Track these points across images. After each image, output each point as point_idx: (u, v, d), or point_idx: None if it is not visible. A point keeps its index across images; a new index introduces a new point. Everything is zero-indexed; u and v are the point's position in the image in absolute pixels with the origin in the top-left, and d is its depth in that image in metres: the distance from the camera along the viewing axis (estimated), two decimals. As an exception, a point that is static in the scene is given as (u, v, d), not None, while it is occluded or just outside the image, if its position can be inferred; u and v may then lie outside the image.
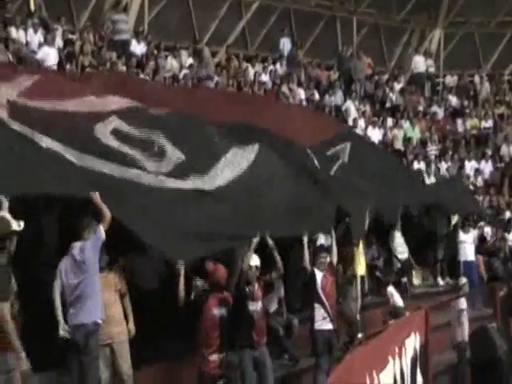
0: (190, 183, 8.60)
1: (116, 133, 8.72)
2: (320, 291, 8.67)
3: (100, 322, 6.84)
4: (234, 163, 9.15)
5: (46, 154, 7.57)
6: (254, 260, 7.87)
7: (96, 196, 6.85)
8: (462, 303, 11.18)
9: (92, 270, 6.79)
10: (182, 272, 7.42)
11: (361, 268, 10.90)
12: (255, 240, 7.94)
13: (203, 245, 7.70)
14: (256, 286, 7.81)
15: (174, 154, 8.86)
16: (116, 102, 9.33)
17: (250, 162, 9.27)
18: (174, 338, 8.10)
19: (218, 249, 7.92)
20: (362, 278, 11.01)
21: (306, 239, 8.81)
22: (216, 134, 9.66)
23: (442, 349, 10.59)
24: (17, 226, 5.96)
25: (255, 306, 7.75)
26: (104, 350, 7.04)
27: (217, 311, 7.46)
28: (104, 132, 8.57)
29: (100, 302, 6.84)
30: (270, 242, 8.07)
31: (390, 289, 11.07)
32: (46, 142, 7.76)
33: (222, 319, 7.46)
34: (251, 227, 8.23)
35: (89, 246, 6.80)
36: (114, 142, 8.53)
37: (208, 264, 7.76)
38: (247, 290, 7.69)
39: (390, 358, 8.09)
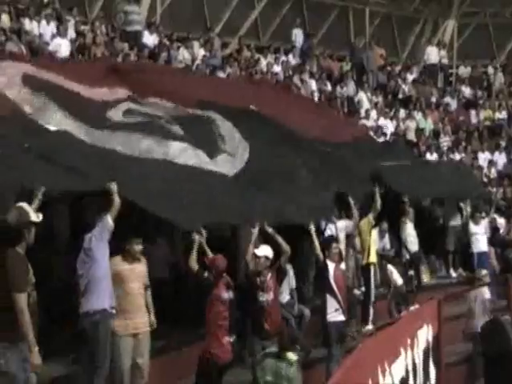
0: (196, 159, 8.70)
1: (129, 112, 8.84)
2: (333, 282, 8.67)
3: (109, 310, 6.85)
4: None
5: (56, 138, 7.59)
6: (264, 250, 7.85)
7: (114, 187, 6.86)
8: (486, 293, 11.17)
9: (99, 258, 6.81)
10: (197, 241, 7.50)
11: (372, 256, 10.89)
12: (255, 230, 7.94)
13: (210, 213, 7.78)
14: (268, 276, 7.77)
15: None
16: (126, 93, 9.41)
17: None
18: (184, 327, 8.14)
19: (222, 220, 7.94)
20: (374, 266, 11.00)
21: (313, 228, 8.83)
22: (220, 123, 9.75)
23: (454, 340, 10.56)
24: (35, 217, 6.00)
25: (266, 297, 7.74)
26: (128, 340, 7.07)
27: (226, 294, 7.50)
28: (117, 114, 8.67)
29: (109, 290, 6.86)
30: (270, 229, 8.04)
31: (390, 266, 11.06)
32: (56, 120, 7.82)
33: (231, 302, 7.50)
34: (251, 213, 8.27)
35: (96, 234, 6.84)
36: (125, 119, 8.64)
37: (206, 258, 7.75)
38: (258, 280, 7.66)
39: (402, 350, 8.08)
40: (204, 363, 7.29)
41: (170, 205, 7.62)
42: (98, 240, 6.83)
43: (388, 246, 12.83)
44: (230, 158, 9.15)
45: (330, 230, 9.93)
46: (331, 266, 8.65)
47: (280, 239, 8.04)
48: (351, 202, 9.89)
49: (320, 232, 9.58)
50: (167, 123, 9.10)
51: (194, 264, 7.54)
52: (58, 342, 7.15)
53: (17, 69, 8.53)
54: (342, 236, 9.91)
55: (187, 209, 7.72)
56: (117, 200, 6.88)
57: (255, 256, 7.79)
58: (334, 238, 9.14)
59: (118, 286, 7.03)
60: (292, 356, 7.17)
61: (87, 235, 6.95)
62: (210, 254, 7.69)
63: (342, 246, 9.51)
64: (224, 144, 9.35)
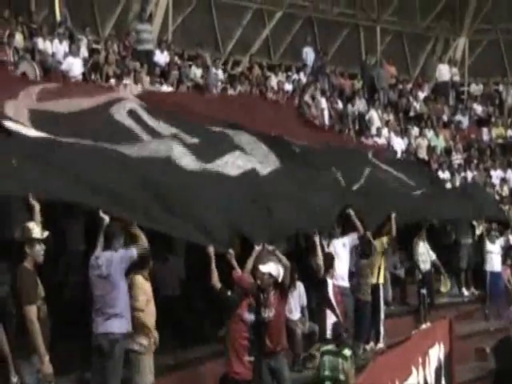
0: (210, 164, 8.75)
1: (132, 112, 8.93)
2: (332, 298, 8.69)
3: (127, 331, 6.88)
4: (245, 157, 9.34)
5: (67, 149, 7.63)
6: (268, 267, 7.90)
7: (134, 227, 6.89)
8: None
9: (120, 283, 6.86)
10: (212, 254, 7.56)
11: (381, 277, 10.86)
12: (257, 248, 8.04)
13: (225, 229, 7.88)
14: (271, 292, 7.82)
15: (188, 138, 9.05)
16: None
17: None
18: (196, 344, 8.14)
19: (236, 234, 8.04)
20: (382, 285, 10.95)
21: (317, 240, 8.86)
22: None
23: (467, 359, 10.46)
24: (39, 234, 6.08)
25: (268, 313, 7.77)
26: (151, 358, 7.11)
27: (247, 316, 7.57)
28: (120, 112, 8.74)
29: (128, 313, 6.87)
30: (270, 247, 8.15)
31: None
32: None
33: (251, 324, 7.57)
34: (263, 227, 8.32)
35: (118, 260, 6.85)
36: (128, 121, 8.71)
37: (234, 273, 7.82)
38: (261, 296, 7.74)
39: (414, 368, 8.01)
40: (226, 381, 7.41)
41: (189, 224, 7.65)
42: (119, 266, 6.85)
43: (398, 265, 12.78)
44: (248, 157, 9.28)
45: (333, 247, 9.93)
46: (330, 282, 8.64)
47: (280, 254, 8.07)
48: (352, 214, 9.89)
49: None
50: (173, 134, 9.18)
51: (216, 282, 7.61)
52: (70, 357, 7.16)
53: (24, 103, 8.63)
54: (345, 253, 9.89)
55: (210, 228, 7.78)
56: (143, 238, 6.94)
57: (260, 272, 7.77)
58: (333, 257, 9.16)
59: (143, 304, 7.08)
60: (347, 352, 7.98)
61: (105, 253, 6.91)
62: (238, 270, 7.76)
63: (346, 263, 9.58)
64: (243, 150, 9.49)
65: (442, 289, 13.18)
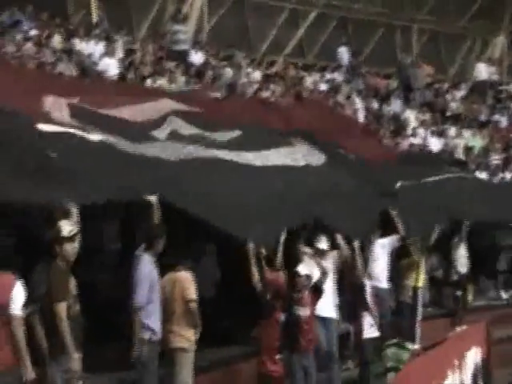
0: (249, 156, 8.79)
1: (173, 134, 9.00)
2: (369, 300, 8.69)
3: (159, 331, 6.88)
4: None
5: (102, 149, 7.68)
6: (306, 269, 8.00)
7: (153, 199, 6.86)
8: None
9: (156, 282, 6.89)
10: (252, 252, 7.65)
11: (420, 279, 10.75)
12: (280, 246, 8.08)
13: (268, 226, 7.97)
14: (306, 292, 7.88)
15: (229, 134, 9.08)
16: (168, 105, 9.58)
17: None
18: (229, 345, 8.16)
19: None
20: (421, 289, 10.84)
21: (357, 244, 8.83)
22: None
23: (506, 363, 10.29)
24: (68, 232, 6.15)
25: (302, 312, 7.80)
26: (193, 355, 7.16)
27: (281, 316, 7.71)
28: (161, 135, 8.81)
29: (159, 316, 6.90)
30: (308, 250, 8.23)
31: None
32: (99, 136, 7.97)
33: (282, 323, 7.71)
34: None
35: (150, 259, 6.90)
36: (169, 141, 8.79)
37: (267, 273, 7.90)
38: (294, 295, 7.79)
39: (449, 371, 7.92)
40: (264, 379, 7.64)
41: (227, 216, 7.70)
42: (153, 263, 6.90)
43: (436, 266, 12.62)
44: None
45: (371, 247, 9.85)
46: (367, 283, 8.59)
47: (318, 259, 8.12)
48: (394, 215, 9.81)
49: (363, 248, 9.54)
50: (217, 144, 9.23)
51: (257, 282, 7.73)
52: (104, 356, 7.22)
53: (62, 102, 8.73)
54: (383, 254, 9.82)
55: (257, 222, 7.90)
56: (157, 214, 6.96)
57: (297, 273, 7.79)
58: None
59: (185, 303, 7.16)
60: (409, 345, 8.57)
61: (147, 257, 6.95)
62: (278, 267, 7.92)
63: (383, 264, 9.54)
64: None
65: (469, 297, 13.00)
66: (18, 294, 5.59)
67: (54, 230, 6.16)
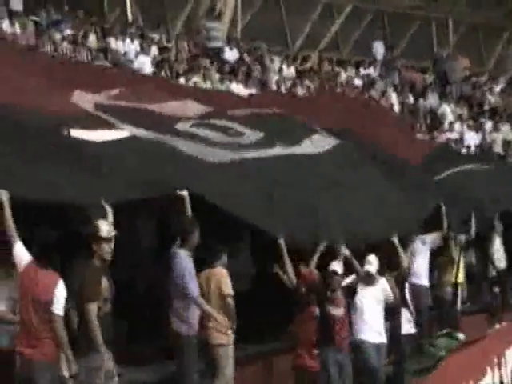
0: (276, 149, 8.81)
1: (196, 124, 9.04)
2: (408, 296, 8.67)
3: (194, 330, 6.95)
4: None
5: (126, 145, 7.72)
6: (338, 267, 7.96)
7: (185, 194, 6.89)
8: None
9: (194, 278, 6.95)
10: (284, 247, 7.68)
11: (460, 275, 10.62)
12: (322, 246, 8.11)
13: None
14: (339, 291, 7.89)
15: (253, 134, 9.10)
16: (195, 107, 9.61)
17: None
18: (267, 339, 8.18)
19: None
20: (461, 285, 10.71)
21: (396, 240, 8.72)
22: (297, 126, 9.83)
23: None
24: (105, 232, 6.19)
25: (336, 311, 7.82)
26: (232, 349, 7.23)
27: (317, 310, 7.70)
28: (184, 126, 8.84)
29: (196, 311, 6.95)
30: (347, 251, 8.13)
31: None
32: (128, 128, 8.02)
33: (316, 318, 7.71)
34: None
35: (188, 255, 6.97)
36: (193, 130, 8.81)
37: (303, 269, 7.90)
38: (328, 294, 7.79)
39: (489, 369, 7.80)
40: (300, 374, 7.67)
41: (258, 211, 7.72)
42: (189, 258, 6.97)
43: (474, 261, 12.45)
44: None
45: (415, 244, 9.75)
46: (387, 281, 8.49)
47: (354, 260, 8.14)
48: (444, 213, 9.75)
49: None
50: (238, 132, 9.22)
51: (292, 276, 7.77)
52: (143, 353, 7.29)
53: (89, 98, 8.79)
54: (423, 251, 9.72)
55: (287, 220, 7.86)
56: (188, 208, 7.00)
57: (330, 272, 7.77)
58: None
59: (222, 299, 7.21)
60: (460, 335, 8.89)
61: (179, 252, 6.99)
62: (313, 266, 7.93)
63: (423, 261, 9.43)
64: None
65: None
66: (61, 293, 5.67)
67: (92, 229, 6.19)
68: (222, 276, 7.22)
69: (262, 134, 9.30)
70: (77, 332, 6.01)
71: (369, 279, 8.12)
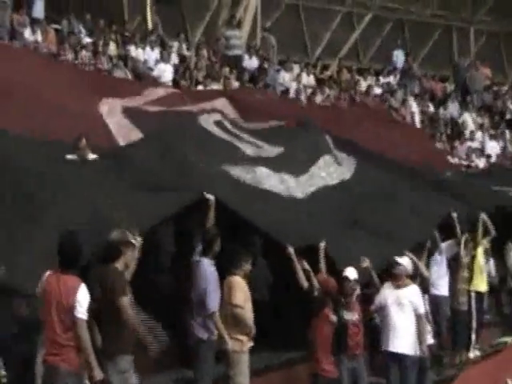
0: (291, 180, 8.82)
1: (219, 124, 9.07)
2: (427, 305, 8.54)
3: (214, 336, 6.95)
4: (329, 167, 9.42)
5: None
6: (354, 273, 7.92)
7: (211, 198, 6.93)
8: None
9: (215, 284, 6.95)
10: (293, 254, 7.72)
11: (482, 285, 10.46)
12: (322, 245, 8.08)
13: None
14: (354, 297, 7.86)
15: (272, 149, 9.11)
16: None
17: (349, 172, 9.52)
18: (286, 348, 8.13)
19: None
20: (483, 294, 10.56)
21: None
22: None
23: None
24: (134, 240, 6.27)
25: (350, 316, 7.77)
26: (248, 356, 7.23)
27: (333, 317, 7.62)
28: (208, 121, 8.90)
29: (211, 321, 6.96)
30: (365, 264, 8.10)
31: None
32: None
33: (334, 325, 7.62)
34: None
35: (209, 260, 6.98)
36: (215, 130, 8.83)
37: (320, 275, 7.90)
38: (342, 299, 7.78)
39: (509, 380, 7.70)
40: (316, 378, 7.56)
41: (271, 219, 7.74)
42: (210, 265, 6.98)
43: (493, 272, 12.28)
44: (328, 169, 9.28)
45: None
46: (416, 289, 8.37)
47: (373, 272, 8.09)
48: (455, 219, 9.69)
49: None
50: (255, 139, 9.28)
51: (304, 282, 7.76)
52: (161, 356, 7.28)
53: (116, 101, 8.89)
54: (441, 260, 9.62)
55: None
56: (211, 214, 7.00)
57: (345, 278, 7.74)
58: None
59: (241, 301, 7.21)
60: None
61: (202, 260, 7.01)
62: (324, 271, 7.87)
63: (439, 270, 9.32)
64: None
65: None
66: (83, 297, 5.66)
67: (123, 234, 6.19)
68: (233, 285, 7.20)
69: (281, 149, 9.38)
70: (102, 337, 6.00)
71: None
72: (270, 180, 8.78)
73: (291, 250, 7.75)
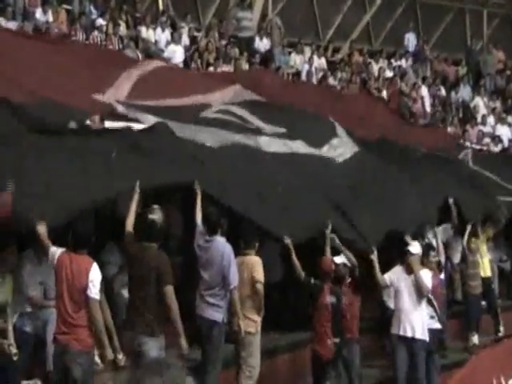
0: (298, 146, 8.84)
1: (221, 111, 9.05)
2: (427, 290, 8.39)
3: (226, 317, 6.94)
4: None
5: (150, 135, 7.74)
6: (341, 258, 8.00)
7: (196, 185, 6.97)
8: None
9: (228, 271, 6.91)
10: (291, 246, 7.67)
11: (484, 270, 10.44)
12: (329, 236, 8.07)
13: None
14: (345, 281, 7.92)
15: (275, 129, 9.03)
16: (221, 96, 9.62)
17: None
18: (293, 331, 8.14)
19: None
20: (487, 279, 10.53)
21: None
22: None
23: None
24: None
25: (344, 300, 7.80)
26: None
27: (329, 299, 7.64)
28: (209, 113, 8.88)
29: (226, 302, 6.95)
30: (337, 241, 8.11)
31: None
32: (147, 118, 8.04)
33: (333, 306, 7.64)
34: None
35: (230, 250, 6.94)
36: (217, 115, 8.81)
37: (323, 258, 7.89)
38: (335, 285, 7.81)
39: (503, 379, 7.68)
40: (315, 360, 7.64)
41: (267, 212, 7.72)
42: (224, 241, 6.99)
43: (504, 257, 12.27)
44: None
45: (429, 238, 9.63)
46: (428, 274, 8.35)
47: (348, 253, 8.11)
48: (451, 203, 9.73)
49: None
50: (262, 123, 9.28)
51: (300, 272, 7.75)
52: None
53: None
54: (440, 242, 9.58)
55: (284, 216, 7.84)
56: (198, 201, 7.00)
57: (334, 263, 7.80)
58: (431, 246, 8.85)
59: (253, 286, 7.19)
60: None
61: (218, 239, 6.97)
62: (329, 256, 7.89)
63: (442, 254, 9.32)
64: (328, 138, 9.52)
65: None
66: (96, 277, 5.67)
67: (162, 215, 6.20)
68: (255, 263, 7.22)
69: (283, 130, 9.34)
70: (143, 313, 6.04)
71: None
72: (271, 146, 8.73)
73: (288, 240, 7.71)
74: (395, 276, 8.08)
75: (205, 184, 7.22)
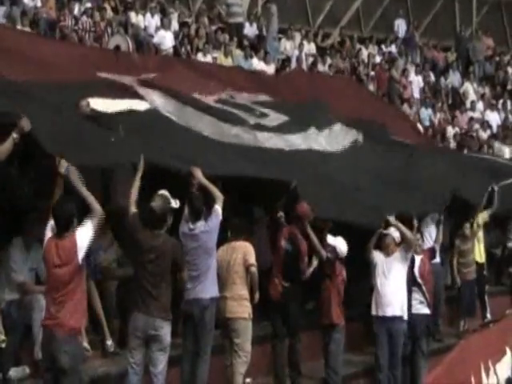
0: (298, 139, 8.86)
1: (221, 101, 9.04)
2: (417, 275, 8.45)
3: (216, 296, 6.92)
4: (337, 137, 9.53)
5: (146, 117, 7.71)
6: (334, 241, 7.98)
7: (198, 172, 6.91)
8: None
9: (211, 251, 6.88)
10: (309, 227, 7.75)
11: (480, 255, 10.50)
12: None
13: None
14: (337, 262, 7.95)
15: (277, 116, 9.07)
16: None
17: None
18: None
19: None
20: (481, 265, 10.60)
21: (415, 221, 8.65)
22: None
23: None
24: (174, 203, 6.28)
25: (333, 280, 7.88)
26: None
27: (284, 244, 7.73)
28: (209, 100, 8.86)
29: (215, 279, 6.93)
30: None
31: None
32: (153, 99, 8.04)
33: (287, 253, 7.73)
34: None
35: (210, 229, 6.83)
36: (217, 105, 8.80)
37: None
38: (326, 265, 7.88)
39: (508, 349, 7.76)
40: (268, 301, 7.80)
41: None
42: (213, 234, 6.87)
43: (494, 243, 12.32)
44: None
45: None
46: (417, 258, 8.40)
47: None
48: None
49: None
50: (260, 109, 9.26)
51: (322, 252, 7.88)
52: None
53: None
54: (431, 228, 9.61)
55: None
56: (217, 192, 6.95)
57: (327, 244, 7.89)
58: (419, 230, 8.91)
59: (246, 270, 7.19)
60: None
61: (198, 224, 6.86)
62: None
63: (433, 239, 9.41)
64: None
65: None
66: (82, 240, 5.51)
67: (165, 201, 6.19)
68: (247, 248, 7.20)
69: (286, 118, 9.35)
70: (157, 297, 6.11)
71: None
72: (270, 141, 8.76)
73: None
74: (373, 263, 8.13)
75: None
